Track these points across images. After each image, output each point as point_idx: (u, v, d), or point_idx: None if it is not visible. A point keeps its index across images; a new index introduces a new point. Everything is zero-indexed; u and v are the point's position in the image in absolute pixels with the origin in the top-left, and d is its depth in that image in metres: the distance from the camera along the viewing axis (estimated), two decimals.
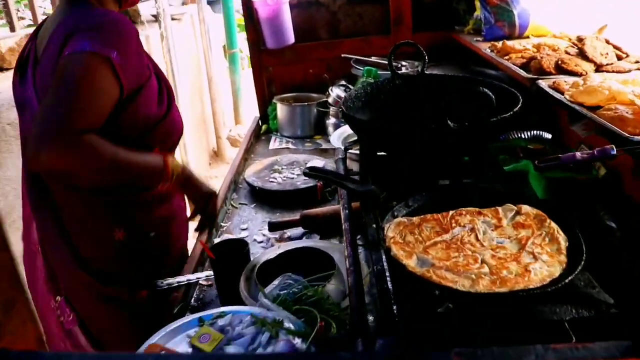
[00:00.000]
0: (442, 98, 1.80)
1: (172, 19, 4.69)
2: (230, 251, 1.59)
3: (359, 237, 1.88)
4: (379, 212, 1.28)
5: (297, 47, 2.97)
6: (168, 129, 1.60)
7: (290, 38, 2.91)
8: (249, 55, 2.96)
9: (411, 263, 1.05)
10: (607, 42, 1.80)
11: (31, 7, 3.47)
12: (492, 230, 1.17)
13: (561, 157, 1.26)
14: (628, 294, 1.02)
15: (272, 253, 1.63)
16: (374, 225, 1.53)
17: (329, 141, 2.75)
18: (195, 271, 1.69)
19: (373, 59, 2.88)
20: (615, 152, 1.20)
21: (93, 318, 1.64)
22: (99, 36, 1.34)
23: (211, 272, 1.64)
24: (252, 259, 1.63)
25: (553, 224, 1.15)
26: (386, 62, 2.75)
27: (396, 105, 1.82)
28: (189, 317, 1.25)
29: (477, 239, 1.15)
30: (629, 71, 1.71)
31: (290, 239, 1.94)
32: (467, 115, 1.68)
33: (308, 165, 2.32)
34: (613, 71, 1.70)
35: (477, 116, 1.33)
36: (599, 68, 1.73)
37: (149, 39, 4.17)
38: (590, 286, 1.04)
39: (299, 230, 1.97)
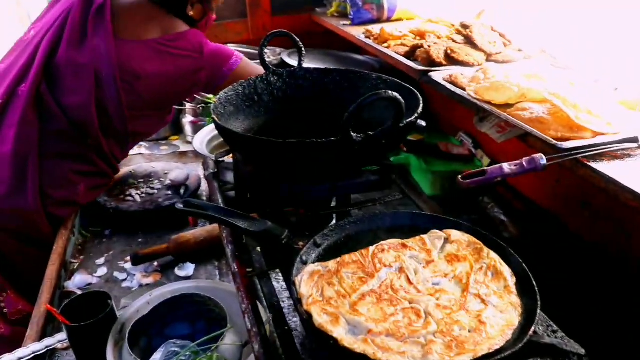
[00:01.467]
0: (326, 97, 1.59)
1: None
2: (88, 310, 1.24)
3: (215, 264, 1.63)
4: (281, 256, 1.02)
5: None
6: None
7: None
8: None
9: (342, 332, 0.81)
10: (493, 29, 1.69)
11: None
12: (424, 267, 0.97)
13: (487, 171, 1.09)
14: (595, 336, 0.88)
15: (142, 304, 1.31)
16: (258, 249, 1.29)
17: (188, 142, 2.42)
18: (42, 337, 1.31)
19: (230, 46, 2.57)
20: (545, 162, 1.05)
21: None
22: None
23: (65, 336, 1.28)
24: (117, 313, 1.29)
25: (492, 254, 0.97)
26: (244, 50, 2.48)
27: (274, 107, 1.56)
28: None
29: (409, 281, 0.93)
30: (517, 61, 1.61)
31: (159, 272, 1.62)
32: (363, 118, 1.49)
33: (169, 176, 1.98)
34: (503, 61, 1.59)
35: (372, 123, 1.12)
36: (489, 57, 1.61)
37: None
38: (551, 331, 0.88)
39: (168, 260, 1.65)
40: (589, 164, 1.06)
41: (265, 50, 2.54)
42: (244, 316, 1.02)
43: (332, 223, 1.33)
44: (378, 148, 1.18)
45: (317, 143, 1.12)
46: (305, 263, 0.97)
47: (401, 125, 1.13)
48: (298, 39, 1.58)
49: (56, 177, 1.72)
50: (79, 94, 1.68)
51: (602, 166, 1.05)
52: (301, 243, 1.02)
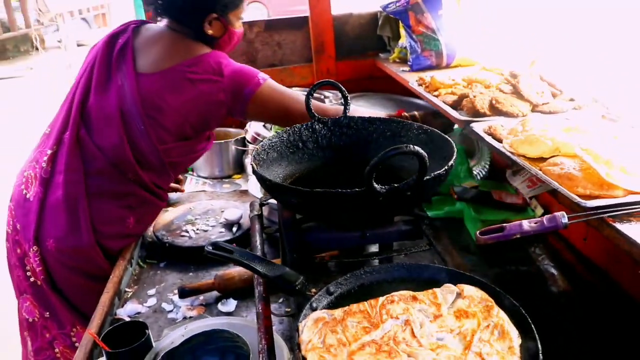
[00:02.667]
0: (369, 145, 1.63)
1: (78, 45, 4.36)
2: (129, 338, 1.33)
3: (281, 300, 1.67)
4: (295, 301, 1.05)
5: None
6: None
7: None
8: None
9: None
10: (542, 78, 1.67)
11: None
12: (431, 321, 0.97)
13: (506, 228, 1.08)
14: None
15: (177, 336, 1.38)
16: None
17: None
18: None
19: (294, 90, 2.67)
20: (567, 221, 1.03)
21: (68, 282, 1.85)
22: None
23: None
24: (154, 342, 1.37)
25: (502, 314, 0.96)
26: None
27: (319, 153, 1.62)
28: None
29: (413, 334, 0.94)
30: (566, 111, 1.58)
31: (204, 306, 1.69)
32: (398, 169, 1.51)
33: (224, 214, 2.07)
34: (550, 112, 1.56)
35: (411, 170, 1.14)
36: (534, 108, 1.59)
37: (53, 67, 3.82)
38: None
39: (213, 295, 1.72)
40: (614, 224, 1.03)
41: (327, 94, 2.65)
42: (259, 355, 1.06)
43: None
44: (405, 199, 1.21)
45: (342, 194, 1.17)
46: (314, 309, 1.00)
47: (427, 178, 1.15)
48: (344, 88, 1.63)
49: (105, 214, 1.82)
50: (111, 136, 1.78)
51: (628, 227, 1.01)
52: (314, 290, 1.05)
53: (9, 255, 1.95)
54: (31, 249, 1.82)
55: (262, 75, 1.86)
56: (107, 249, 1.84)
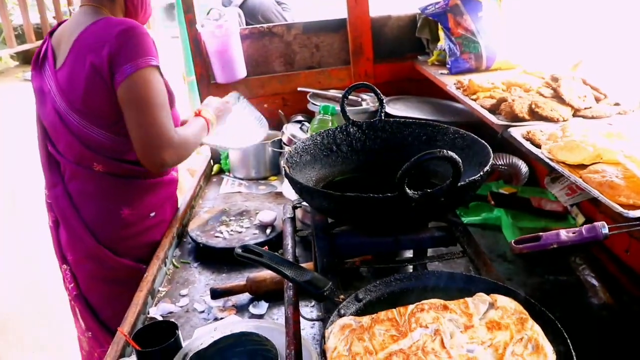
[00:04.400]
0: (404, 148, 1.60)
1: None
2: (160, 337, 1.34)
3: (312, 304, 1.66)
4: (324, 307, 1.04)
5: (250, 80, 2.74)
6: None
7: (242, 72, 2.68)
8: (198, 91, 2.71)
9: None
10: (585, 82, 1.61)
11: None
12: (462, 332, 0.94)
13: (542, 237, 1.04)
14: None
15: (206, 337, 1.38)
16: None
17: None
18: (120, 356, 1.43)
19: (331, 92, 2.66)
20: (607, 232, 0.99)
21: (92, 292, 1.92)
22: (138, 49, 1.62)
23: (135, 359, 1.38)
24: (184, 342, 1.39)
25: (536, 327, 0.92)
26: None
27: (353, 157, 1.60)
28: None
29: (442, 345, 0.91)
30: (609, 116, 1.52)
31: (235, 307, 1.69)
32: (432, 174, 1.48)
33: (258, 216, 2.08)
34: (592, 117, 1.51)
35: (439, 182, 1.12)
36: (576, 112, 1.54)
37: None
38: None
39: (245, 297, 1.73)
40: None
41: (365, 97, 2.63)
42: None
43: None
44: (438, 205, 1.18)
45: (373, 198, 1.15)
46: (342, 316, 0.99)
47: (461, 184, 1.12)
48: (379, 91, 1.61)
49: (95, 214, 1.85)
50: (63, 140, 1.80)
51: None
52: (342, 296, 1.04)
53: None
54: (62, 268, 1.95)
55: (152, 61, 1.66)
56: (116, 248, 1.89)
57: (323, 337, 0.93)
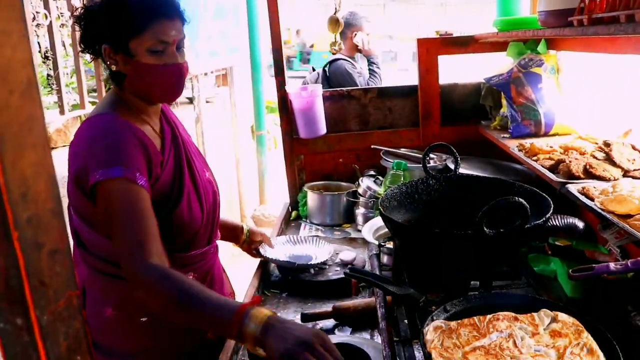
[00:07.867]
0: (475, 199, 1.89)
1: (206, 101, 4.91)
2: None
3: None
4: (417, 314, 1.32)
5: (329, 137, 3.10)
6: (177, 222, 1.65)
7: (322, 129, 3.05)
8: (282, 144, 3.09)
9: None
10: (634, 147, 1.87)
11: (79, 89, 3.68)
12: (530, 337, 1.21)
13: (595, 268, 1.30)
14: None
15: None
16: (406, 321, 1.58)
17: (358, 230, 2.81)
18: None
19: (402, 150, 2.99)
20: None
21: None
22: (101, 158, 1.44)
23: None
24: None
25: (590, 337, 1.18)
26: (415, 155, 2.87)
27: (430, 205, 1.89)
28: None
29: (515, 345, 1.18)
30: None
31: (322, 330, 1.96)
32: (501, 219, 1.76)
33: (339, 255, 2.37)
34: None
35: (511, 223, 1.39)
36: (626, 173, 1.79)
37: (184, 121, 4.36)
38: None
39: (330, 322, 2.00)
40: None
41: (432, 156, 2.94)
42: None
43: None
44: (508, 243, 1.46)
45: (456, 234, 1.44)
46: (433, 321, 1.27)
47: (527, 226, 1.40)
48: (455, 150, 1.92)
49: (98, 324, 1.64)
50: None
51: None
52: (434, 307, 1.31)
53: None
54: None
55: (126, 175, 1.43)
56: (105, 346, 1.65)
57: (421, 332, 1.21)
